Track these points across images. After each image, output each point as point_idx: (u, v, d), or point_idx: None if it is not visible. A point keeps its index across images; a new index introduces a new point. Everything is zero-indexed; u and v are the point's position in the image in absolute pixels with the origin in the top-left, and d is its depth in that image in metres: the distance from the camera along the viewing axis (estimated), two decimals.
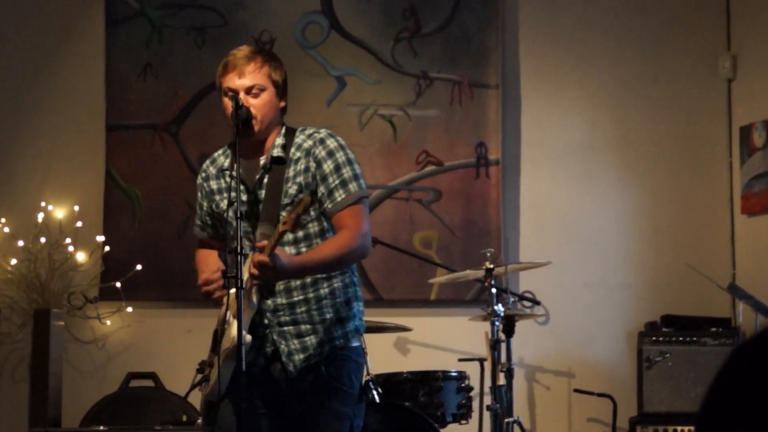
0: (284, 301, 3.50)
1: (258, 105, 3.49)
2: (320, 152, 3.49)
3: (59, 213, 6.00)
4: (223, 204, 3.58)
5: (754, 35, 6.21)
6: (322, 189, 3.47)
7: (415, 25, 6.20)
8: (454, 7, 6.20)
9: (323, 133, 3.55)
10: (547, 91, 6.30)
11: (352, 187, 3.48)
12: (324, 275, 3.49)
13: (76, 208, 6.00)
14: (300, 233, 3.48)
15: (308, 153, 3.50)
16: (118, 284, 5.90)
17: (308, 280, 3.49)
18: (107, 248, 5.93)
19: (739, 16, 6.31)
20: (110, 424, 5.37)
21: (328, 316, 3.51)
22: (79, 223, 5.95)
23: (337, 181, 3.46)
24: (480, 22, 6.20)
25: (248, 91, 3.49)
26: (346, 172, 3.49)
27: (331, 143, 3.51)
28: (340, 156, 3.50)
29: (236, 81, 3.50)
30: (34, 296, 5.90)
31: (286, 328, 3.49)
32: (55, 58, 6.17)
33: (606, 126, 6.30)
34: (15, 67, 6.16)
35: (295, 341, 3.48)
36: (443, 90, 6.18)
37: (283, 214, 3.44)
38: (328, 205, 3.48)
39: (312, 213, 3.48)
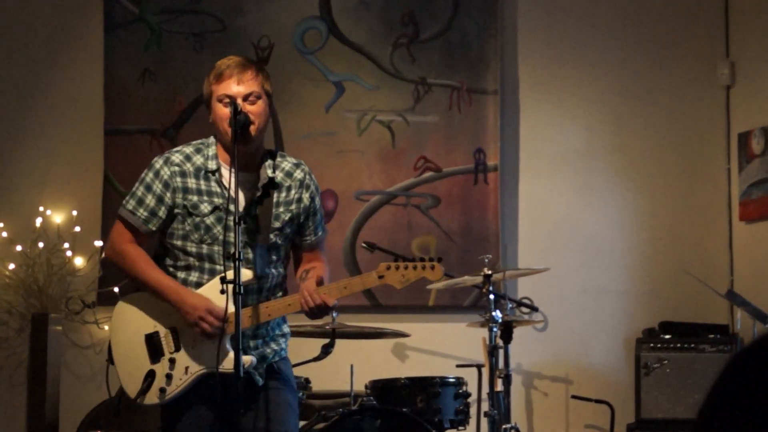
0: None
1: (255, 112, 3.51)
2: (313, 187, 3.67)
3: (57, 218, 6.00)
4: (204, 207, 3.54)
5: (753, 42, 6.21)
6: (309, 222, 3.66)
7: (414, 31, 6.20)
8: (453, 13, 6.20)
9: (305, 165, 3.70)
10: (545, 98, 6.30)
11: (324, 223, 3.75)
12: (279, 296, 3.60)
13: (75, 212, 5.99)
14: (274, 256, 3.60)
15: (301, 184, 3.63)
16: (116, 289, 5.88)
17: (272, 296, 3.58)
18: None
19: (738, 23, 6.31)
20: (108, 430, 5.36)
21: (277, 331, 3.66)
22: (78, 228, 5.95)
23: (318, 218, 3.69)
24: (479, 29, 6.20)
25: (245, 98, 3.50)
26: (321, 209, 3.72)
27: (314, 178, 3.70)
28: (319, 193, 3.72)
29: (233, 87, 3.50)
30: (32, 301, 5.90)
31: (245, 339, 3.55)
32: (53, 63, 6.17)
33: (604, 132, 6.30)
34: (14, 71, 6.16)
35: (254, 353, 3.56)
36: (442, 96, 6.18)
37: (272, 236, 3.55)
38: (311, 238, 3.68)
39: (284, 239, 3.61)
